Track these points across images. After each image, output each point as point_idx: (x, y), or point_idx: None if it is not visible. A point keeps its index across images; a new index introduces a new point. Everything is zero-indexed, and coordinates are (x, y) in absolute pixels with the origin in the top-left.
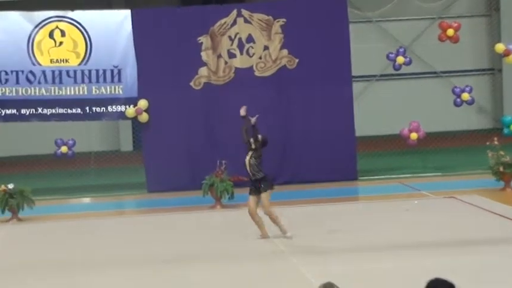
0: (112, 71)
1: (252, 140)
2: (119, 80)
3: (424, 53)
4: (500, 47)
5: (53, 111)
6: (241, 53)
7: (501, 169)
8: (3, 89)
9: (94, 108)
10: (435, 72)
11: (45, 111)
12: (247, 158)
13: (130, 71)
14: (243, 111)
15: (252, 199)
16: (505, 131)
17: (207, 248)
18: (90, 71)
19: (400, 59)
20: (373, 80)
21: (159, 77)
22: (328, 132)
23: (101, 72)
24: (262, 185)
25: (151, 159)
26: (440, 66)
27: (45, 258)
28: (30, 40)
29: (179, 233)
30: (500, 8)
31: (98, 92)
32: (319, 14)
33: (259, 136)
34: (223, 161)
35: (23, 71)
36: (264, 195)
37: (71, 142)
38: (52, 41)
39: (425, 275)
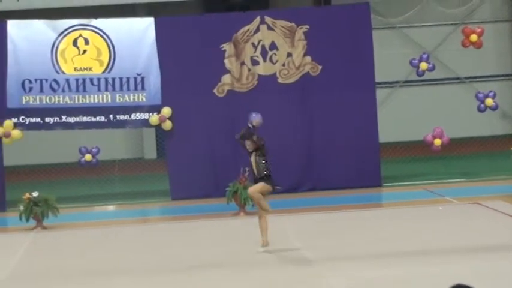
0: (135, 78)
1: (258, 140)
2: (143, 88)
3: (447, 58)
4: None
5: (77, 119)
6: (265, 60)
7: None
8: (27, 98)
9: (118, 116)
10: (458, 78)
11: (69, 119)
12: (253, 157)
13: (154, 79)
14: (257, 123)
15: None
16: None
17: (230, 255)
18: (113, 79)
19: (424, 65)
20: (397, 86)
21: (182, 85)
22: (352, 138)
23: (124, 80)
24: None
25: (175, 166)
26: (464, 72)
27: (68, 266)
28: (54, 48)
29: (202, 240)
30: None
31: (121, 99)
32: (343, 21)
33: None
34: (247, 168)
35: (46, 80)
36: (261, 184)
37: (94, 150)
38: (76, 49)
39: (449, 281)
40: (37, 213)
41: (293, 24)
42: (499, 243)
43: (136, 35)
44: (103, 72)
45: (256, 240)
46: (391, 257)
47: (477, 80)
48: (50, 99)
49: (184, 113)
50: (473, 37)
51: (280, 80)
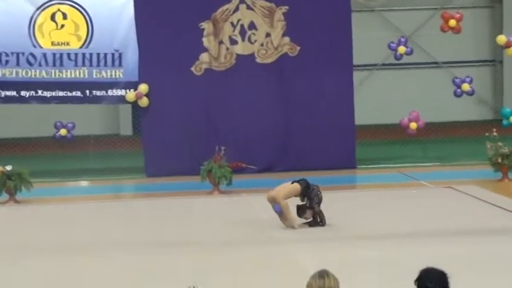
0: (113, 54)
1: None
2: (120, 64)
3: (425, 43)
4: (501, 39)
5: (53, 93)
6: (243, 40)
7: (499, 160)
8: (4, 71)
9: (94, 92)
10: (436, 63)
11: (45, 93)
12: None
13: (131, 55)
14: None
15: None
16: (504, 122)
17: (202, 233)
18: (91, 55)
19: (402, 49)
20: (374, 69)
21: (160, 62)
22: (328, 120)
23: (102, 55)
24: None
25: (150, 143)
26: (442, 57)
27: (40, 241)
28: (31, 22)
29: (176, 218)
30: None
31: (98, 75)
32: (322, 2)
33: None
34: (222, 147)
35: (23, 53)
36: (291, 186)
37: (70, 125)
38: (53, 23)
39: (419, 264)
40: (10, 187)
41: (272, 4)
42: (471, 228)
43: (115, 11)
44: (80, 47)
45: (229, 219)
46: (364, 239)
47: (454, 65)
48: (27, 73)
49: (161, 90)
50: (452, 22)
51: (258, 60)
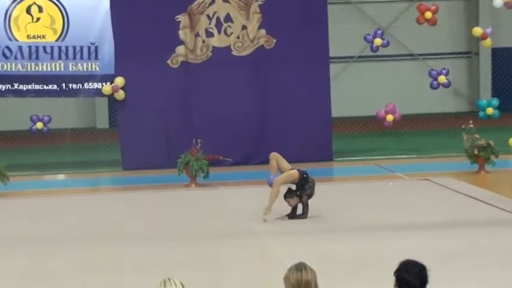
0: (89, 47)
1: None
2: (96, 57)
3: (401, 35)
4: (477, 31)
5: (29, 87)
6: (219, 32)
7: (476, 152)
8: None
9: (70, 85)
10: (412, 55)
11: (21, 87)
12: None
13: (108, 48)
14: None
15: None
16: (481, 114)
17: (179, 226)
18: (67, 48)
19: (378, 41)
20: (351, 61)
21: (136, 55)
22: (304, 112)
23: (78, 48)
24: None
25: (126, 136)
26: (418, 49)
27: (16, 234)
28: (7, 15)
29: (153, 211)
30: None
31: (74, 68)
32: None
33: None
34: (199, 140)
35: None
36: (291, 171)
37: (46, 118)
38: (29, 16)
39: (397, 257)
40: None
41: None
42: (447, 220)
43: (91, 4)
44: (56, 40)
45: (206, 212)
46: (341, 231)
47: (431, 57)
48: (2, 66)
49: (137, 83)
50: (428, 14)
51: (234, 53)
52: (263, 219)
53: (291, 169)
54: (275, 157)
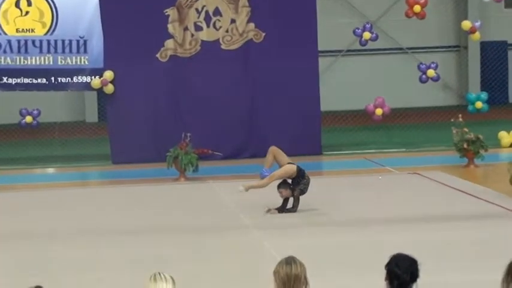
0: (78, 41)
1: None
2: (85, 51)
3: (390, 28)
4: (466, 24)
5: (18, 80)
6: (208, 26)
7: (465, 146)
8: None
9: (59, 79)
10: (401, 49)
11: (10, 80)
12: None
13: (97, 42)
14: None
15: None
16: (470, 108)
17: (168, 220)
18: (56, 41)
19: (367, 35)
20: (340, 55)
21: (125, 49)
22: (293, 106)
23: (67, 42)
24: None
25: (116, 130)
26: (407, 43)
27: (5, 227)
28: None
29: (142, 205)
30: None
31: (63, 62)
32: None
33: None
34: (188, 134)
35: None
36: (289, 166)
37: (35, 112)
38: (18, 10)
39: (387, 250)
40: None
41: None
42: (436, 213)
43: None
44: (45, 34)
45: (195, 206)
46: (330, 225)
47: (420, 50)
48: None
49: (127, 76)
50: (417, 8)
51: (223, 46)
52: (239, 189)
53: (289, 163)
54: (273, 152)
